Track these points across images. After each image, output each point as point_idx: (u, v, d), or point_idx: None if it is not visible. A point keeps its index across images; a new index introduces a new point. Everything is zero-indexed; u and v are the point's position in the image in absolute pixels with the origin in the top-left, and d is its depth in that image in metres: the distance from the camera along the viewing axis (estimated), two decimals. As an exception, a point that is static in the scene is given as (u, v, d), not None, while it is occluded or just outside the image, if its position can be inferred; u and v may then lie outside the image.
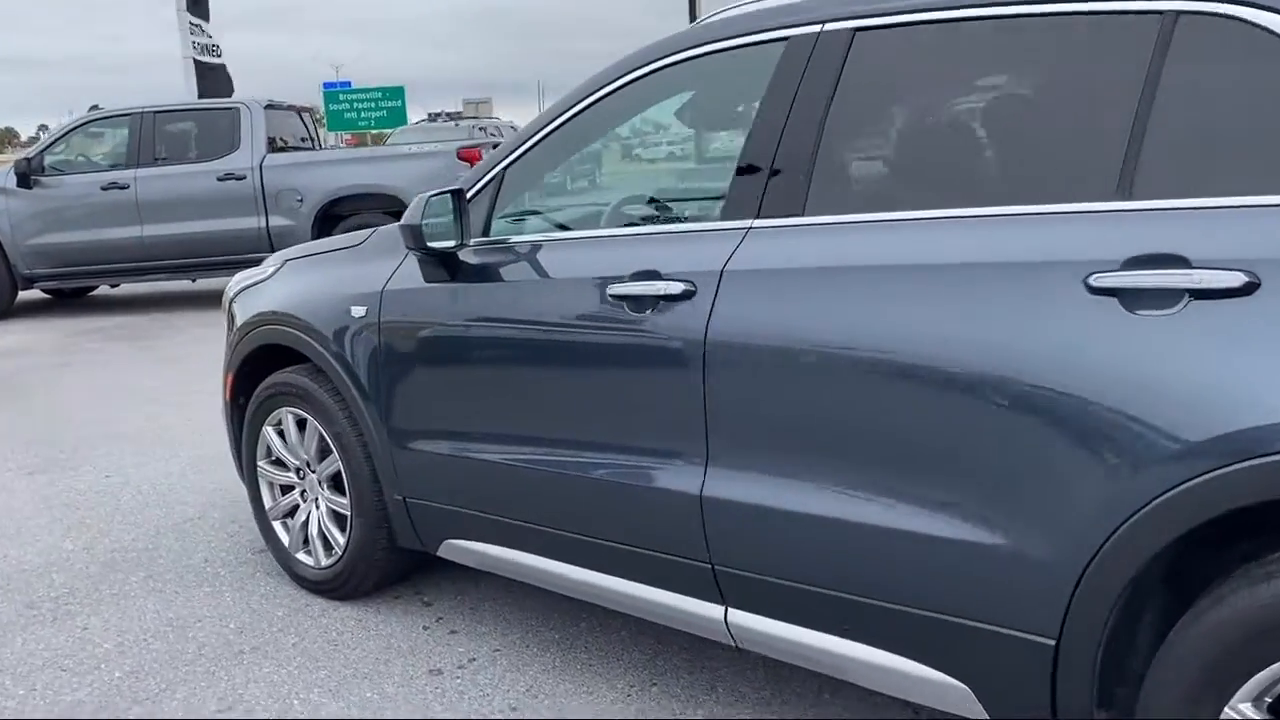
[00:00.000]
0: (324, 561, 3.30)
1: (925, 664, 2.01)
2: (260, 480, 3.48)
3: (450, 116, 26.49)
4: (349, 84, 19.82)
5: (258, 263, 3.77)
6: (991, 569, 1.88)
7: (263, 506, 3.49)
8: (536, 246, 2.68)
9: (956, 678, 1.97)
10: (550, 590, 2.79)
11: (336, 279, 3.12)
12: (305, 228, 9.33)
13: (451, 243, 2.71)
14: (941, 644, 1.98)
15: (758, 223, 2.23)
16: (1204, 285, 1.63)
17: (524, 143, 2.75)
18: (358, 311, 2.96)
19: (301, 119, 11.11)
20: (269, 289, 3.41)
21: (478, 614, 3.19)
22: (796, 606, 2.19)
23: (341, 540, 3.22)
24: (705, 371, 2.21)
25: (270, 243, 9.12)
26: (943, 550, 1.93)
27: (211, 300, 9.00)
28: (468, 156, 9.11)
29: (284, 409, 3.30)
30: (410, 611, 3.23)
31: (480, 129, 19.36)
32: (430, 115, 27.23)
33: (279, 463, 3.43)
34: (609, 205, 3.00)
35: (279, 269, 3.46)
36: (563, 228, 2.91)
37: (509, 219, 2.82)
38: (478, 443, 2.75)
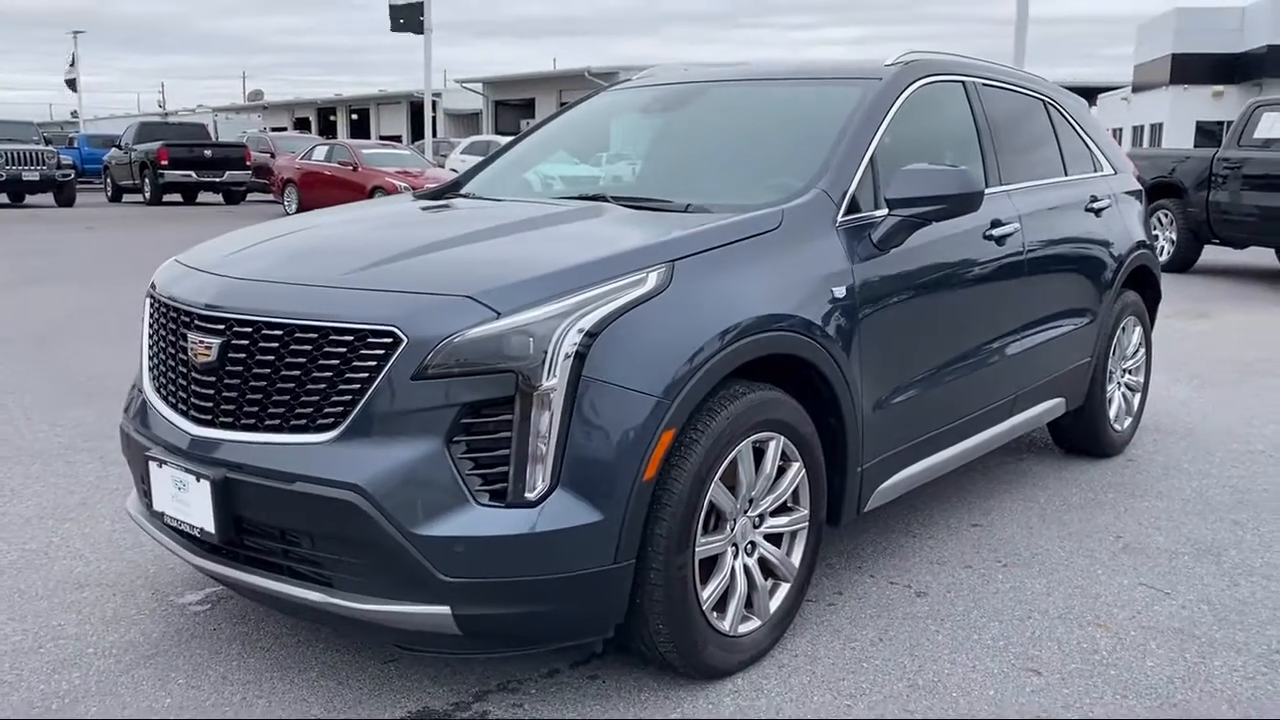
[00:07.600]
0: (772, 603, 2.97)
1: None
2: (690, 564, 2.67)
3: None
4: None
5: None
6: None
7: (694, 601, 2.69)
8: None
9: None
10: (945, 474, 3.79)
11: (797, 263, 3.03)
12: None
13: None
14: None
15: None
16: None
17: None
18: (838, 291, 3.11)
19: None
20: (701, 299, 2.69)
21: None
22: None
23: (791, 567, 3.01)
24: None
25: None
26: None
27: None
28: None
29: (745, 441, 2.76)
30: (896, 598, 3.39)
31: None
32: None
33: (711, 524, 2.78)
34: None
35: (666, 272, 2.65)
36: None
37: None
38: (921, 379, 3.47)
